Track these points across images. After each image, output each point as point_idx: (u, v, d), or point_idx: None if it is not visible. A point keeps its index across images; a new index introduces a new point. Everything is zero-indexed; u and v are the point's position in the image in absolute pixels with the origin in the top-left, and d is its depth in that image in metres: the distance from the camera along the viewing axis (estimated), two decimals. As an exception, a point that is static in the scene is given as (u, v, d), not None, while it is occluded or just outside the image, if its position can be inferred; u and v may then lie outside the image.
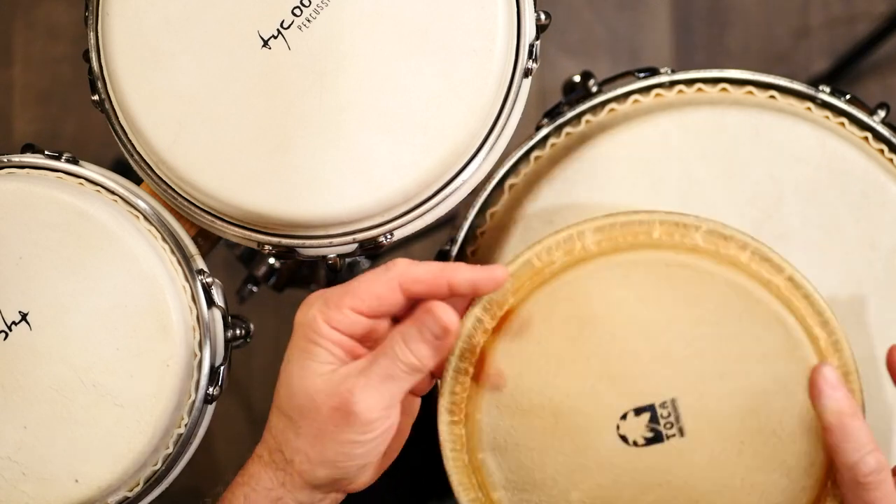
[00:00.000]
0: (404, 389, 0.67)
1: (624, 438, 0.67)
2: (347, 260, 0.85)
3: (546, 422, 0.67)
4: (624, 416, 0.67)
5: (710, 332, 0.66)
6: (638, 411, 0.66)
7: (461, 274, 0.67)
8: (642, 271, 0.67)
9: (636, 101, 0.83)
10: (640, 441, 0.67)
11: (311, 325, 0.68)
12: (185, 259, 0.78)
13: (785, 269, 0.66)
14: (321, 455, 0.67)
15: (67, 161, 0.80)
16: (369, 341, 0.69)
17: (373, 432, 0.67)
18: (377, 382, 0.66)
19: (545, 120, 0.84)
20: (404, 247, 1.58)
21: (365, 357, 0.67)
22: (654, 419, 0.66)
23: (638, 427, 0.67)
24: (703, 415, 0.66)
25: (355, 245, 0.77)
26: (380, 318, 0.69)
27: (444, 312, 0.66)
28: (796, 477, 0.67)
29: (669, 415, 0.66)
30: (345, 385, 0.66)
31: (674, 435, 0.66)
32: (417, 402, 0.73)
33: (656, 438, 0.66)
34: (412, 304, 0.69)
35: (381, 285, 0.67)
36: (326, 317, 0.67)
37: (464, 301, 0.70)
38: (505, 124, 0.76)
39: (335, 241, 0.76)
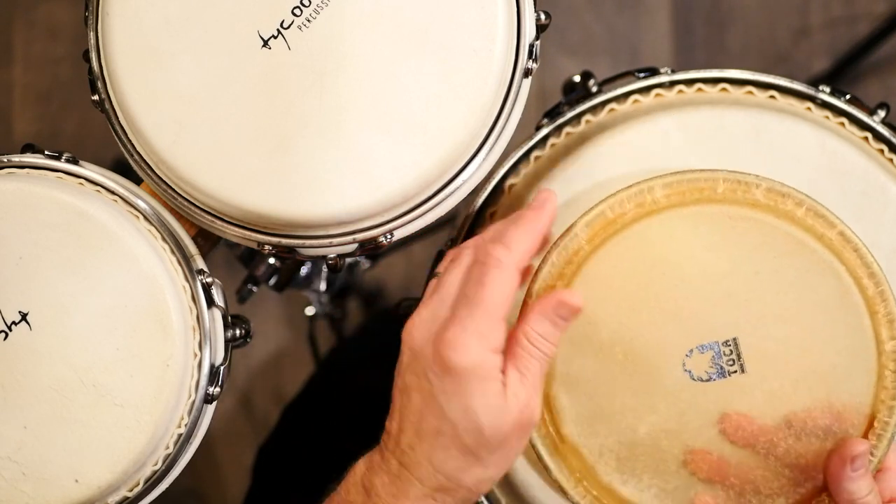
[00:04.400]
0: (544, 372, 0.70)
1: (689, 374, 0.72)
2: (347, 260, 0.85)
3: (616, 359, 0.72)
4: (689, 354, 0.72)
5: (769, 279, 0.71)
6: (703, 349, 0.71)
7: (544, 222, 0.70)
8: (708, 222, 0.71)
9: (636, 101, 0.83)
10: (705, 376, 0.72)
11: (482, 365, 0.66)
12: (185, 259, 0.78)
13: (836, 224, 0.71)
14: (504, 469, 0.69)
15: (67, 161, 0.80)
16: None
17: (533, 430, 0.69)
18: (539, 385, 0.68)
19: (545, 120, 0.84)
20: (404, 247, 1.58)
21: (510, 367, 0.67)
22: (717, 356, 0.71)
23: (702, 363, 0.72)
24: (762, 354, 0.71)
25: (355, 245, 0.77)
26: None
27: (573, 297, 0.68)
28: (846, 417, 0.71)
29: (731, 352, 0.71)
30: (524, 406, 0.67)
31: (735, 371, 0.71)
32: None
33: (719, 374, 0.71)
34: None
35: (507, 282, 0.67)
36: (490, 346, 0.67)
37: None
38: (505, 124, 0.76)
39: (335, 241, 0.76)
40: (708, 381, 0.71)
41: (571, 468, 0.74)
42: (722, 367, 0.71)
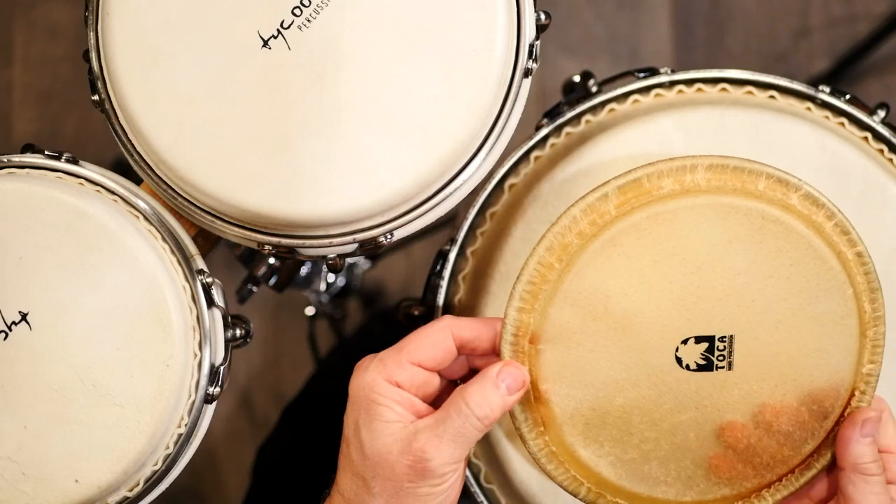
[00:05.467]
0: (474, 441, 0.70)
1: (679, 360, 0.72)
2: (348, 260, 0.85)
3: (613, 330, 0.72)
4: (685, 342, 0.72)
5: (779, 285, 0.71)
6: (699, 339, 0.72)
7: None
8: (741, 217, 0.71)
9: (636, 101, 0.83)
10: (693, 366, 0.72)
11: (372, 386, 0.71)
12: (185, 259, 0.78)
13: (857, 244, 0.72)
14: None
15: (67, 161, 0.80)
16: (426, 397, 0.73)
17: (446, 482, 0.70)
18: (450, 438, 0.69)
19: (545, 120, 0.84)
20: (404, 247, 1.58)
21: (432, 414, 0.70)
22: (710, 349, 0.72)
23: (694, 353, 0.72)
24: (751, 355, 0.72)
25: (355, 245, 0.77)
26: (435, 369, 0.72)
27: (521, 368, 0.71)
28: (808, 427, 0.73)
29: (724, 349, 0.72)
30: (417, 443, 0.69)
31: (722, 367, 0.72)
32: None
33: (707, 367, 0.72)
34: (467, 372, 0.75)
35: (434, 333, 0.72)
36: (386, 375, 0.71)
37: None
38: (505, 124, 0.76)
39: (335, 241, 0.76)
40: (694, 370, 0.72)
41: (536, 421, 0.74)
42: (711, 361, 0.72)
